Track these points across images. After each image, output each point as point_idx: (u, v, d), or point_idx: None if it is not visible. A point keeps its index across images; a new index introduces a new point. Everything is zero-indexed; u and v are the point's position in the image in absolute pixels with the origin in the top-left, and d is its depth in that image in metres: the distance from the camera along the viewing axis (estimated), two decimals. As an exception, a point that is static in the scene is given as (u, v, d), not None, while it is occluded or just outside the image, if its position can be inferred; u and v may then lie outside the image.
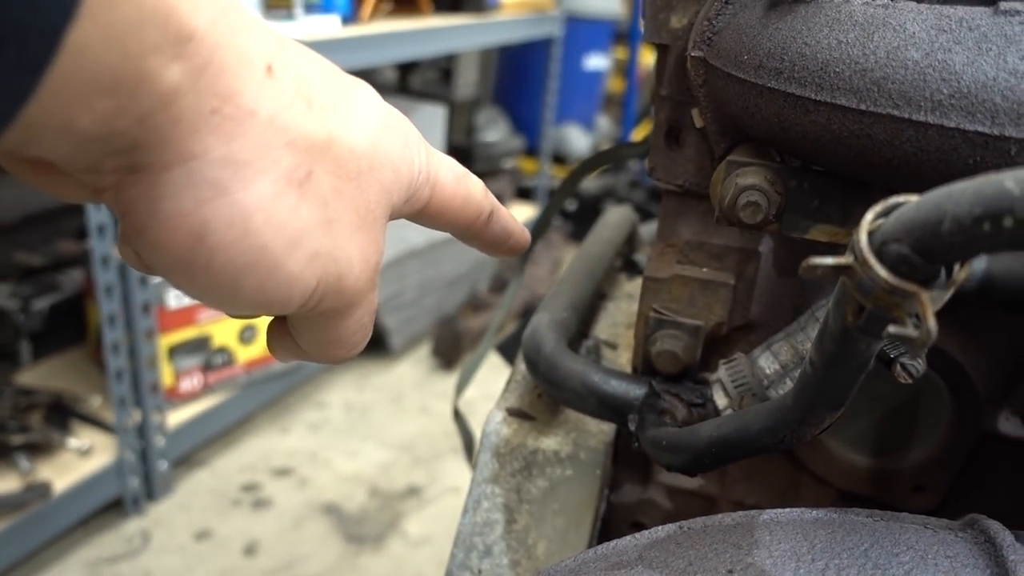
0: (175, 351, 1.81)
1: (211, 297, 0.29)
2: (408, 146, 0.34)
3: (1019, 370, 0.57)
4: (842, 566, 0.38)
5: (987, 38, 0.35)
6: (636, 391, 0.56)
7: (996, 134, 0.34)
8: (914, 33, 0.36)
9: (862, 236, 0.31)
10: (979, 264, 0.48)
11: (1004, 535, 0.39)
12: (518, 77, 3.67)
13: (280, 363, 2.02)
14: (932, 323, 0.29)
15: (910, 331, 0.30)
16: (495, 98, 3.78)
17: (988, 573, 0.37)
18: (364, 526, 1.84)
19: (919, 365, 0.48)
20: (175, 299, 1.76)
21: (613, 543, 0.44)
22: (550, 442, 0.62)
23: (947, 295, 0.31)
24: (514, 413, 0.64)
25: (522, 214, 3.27)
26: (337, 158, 0.30)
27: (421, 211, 0.37)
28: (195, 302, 1.80)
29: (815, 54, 0.39)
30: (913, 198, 0.30)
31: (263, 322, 1.71)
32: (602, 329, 0.75)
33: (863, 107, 0.37)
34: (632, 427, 0.55)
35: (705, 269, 0.57)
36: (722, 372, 0.54)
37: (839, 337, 0.35)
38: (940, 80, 0.35)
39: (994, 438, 0.57)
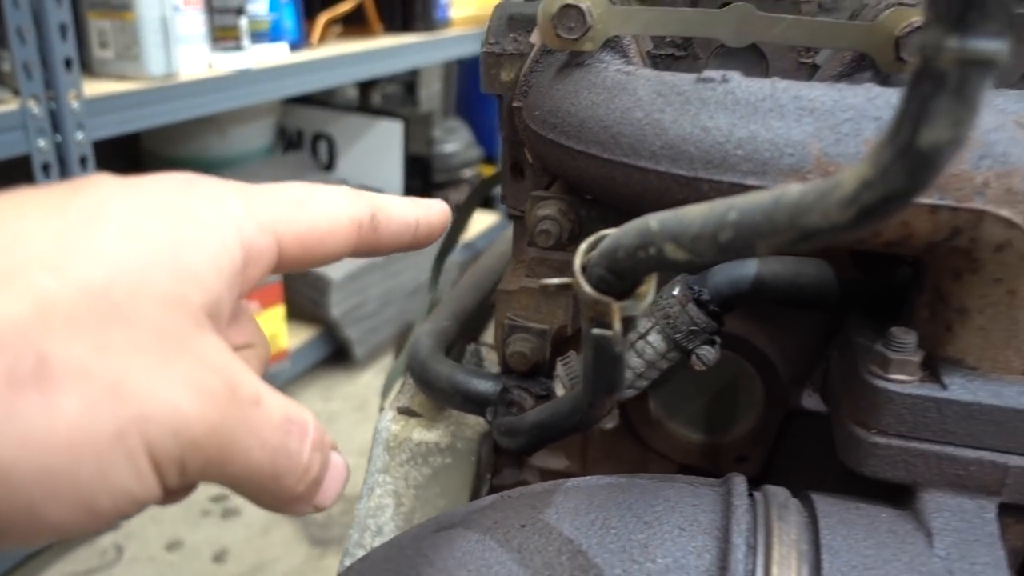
0: (141, 370, 1.89)
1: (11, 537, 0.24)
2: (185, 225, 0.28)
3: (818, 354, 0.67)
4: (609, 517, 0.48)
5: (688, 101, 0.45)
6: (492, 387, 0.65)
7: (692, 176, 0.44)
8: (641, 96, 0.46)
9: (576, 261, 0.41)
10: (750, 269, 0.58)
11: (740, 487, 0.49)
12: (477, 88, 3.77)
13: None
14: (618, 326, 0.39)
15: (610, 332, 0.40)
16: (458, 109, 3.88)
17: (716, 514, 0.47)
18: (329, 530, 1.93)
19: (710, 355, 0.59)
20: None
21: (449, 512, 0.53)
22: (432, 435, 0.71)
23: (640, 305, 0.40)
24: (403, 411, 0.74)
25: (485, 222, 3.36)
26: (71, 315, 0.24)
27: (282, 261, 0.33)
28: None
29: (577, 112, 0.49)
30: (613, 231, 0.40)
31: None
32: (490, 335, 0.85)
33: (606, 156, 0.47)
34: (488, 418, 0.65)
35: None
36: (559, 368, 0.64)
37: (586, 337, 0.45)
38: (654, 135, 0.45)
39: (800, 413, 0.67)
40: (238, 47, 1.85)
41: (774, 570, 0.43)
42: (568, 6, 0.49)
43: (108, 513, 0.25)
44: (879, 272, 0.53)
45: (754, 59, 0.58)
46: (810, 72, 0.58)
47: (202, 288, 0.28)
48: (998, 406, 0.45)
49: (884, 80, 0.52)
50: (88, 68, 1.73)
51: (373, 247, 0.36)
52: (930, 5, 0.26)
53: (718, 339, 0.60)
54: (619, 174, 0.47)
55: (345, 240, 0.34)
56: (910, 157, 0.28)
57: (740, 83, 0.45)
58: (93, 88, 1.60)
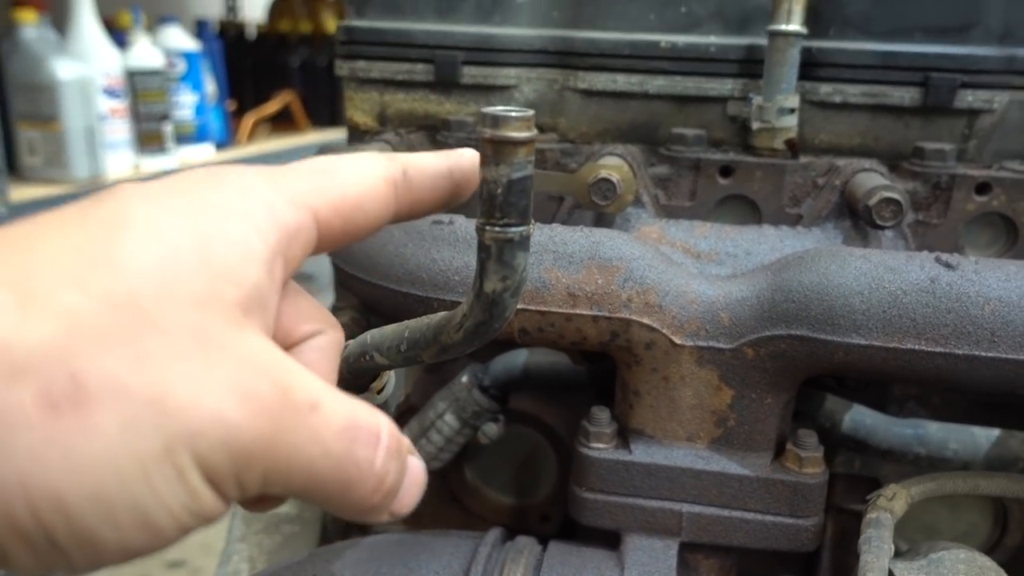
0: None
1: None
2: (210, 217, 0.27)
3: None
4: (381, 566, 0.60)
5: (424, 238, 0.59)
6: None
7: (425, 296, 0.58)
8: (393, 234, 0.61)
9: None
10: (520, 360, 0.72)
11: (491, 537, 0.61)
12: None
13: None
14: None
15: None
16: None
17: (465, 559, 0.59)
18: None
19: (492, 430, 0.72)
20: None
21: (269, 568, 0.65)
22: (283, 507, 0.83)
23: (375, 397, 0.54)
24: (261, 487, 0.85)
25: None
26: (100, 330, 0.23)
27: (323, 235, 0.31)
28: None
29: (352, 245, 0.63)
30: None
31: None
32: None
33: (370, 279, 0.61)
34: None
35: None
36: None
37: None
38: (399, 264, 0.59)
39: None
40: (163, 150, 1.99)
41: (497, 599, 0.56)
42: (347, 163, 0.64)
43: (171, 531, 0.24)
44: (600, 362, 0.67)
45: (748, 208, 0.70)
46: (796, 220, 0.69)
47: (236, 282, 0.26)
48: (669, 465, 0.59)
49: (861, 227, 0.67)
50: (18, 173, 1.85)
51: (413, 205, 0.35)
52: (481, 204, 0.40)
53: (501, 417, 0.74)
54: (380, 294, 0.61)
55: (384, 202, 0.33)
56: (481, 300, 0.42)
57: (462, 224, 0.59)
58: (21, 193, 1.72)
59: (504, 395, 0.73)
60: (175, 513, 0.24)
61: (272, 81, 2.65)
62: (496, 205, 0.39)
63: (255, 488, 0.26)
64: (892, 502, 0.57)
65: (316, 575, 0.60)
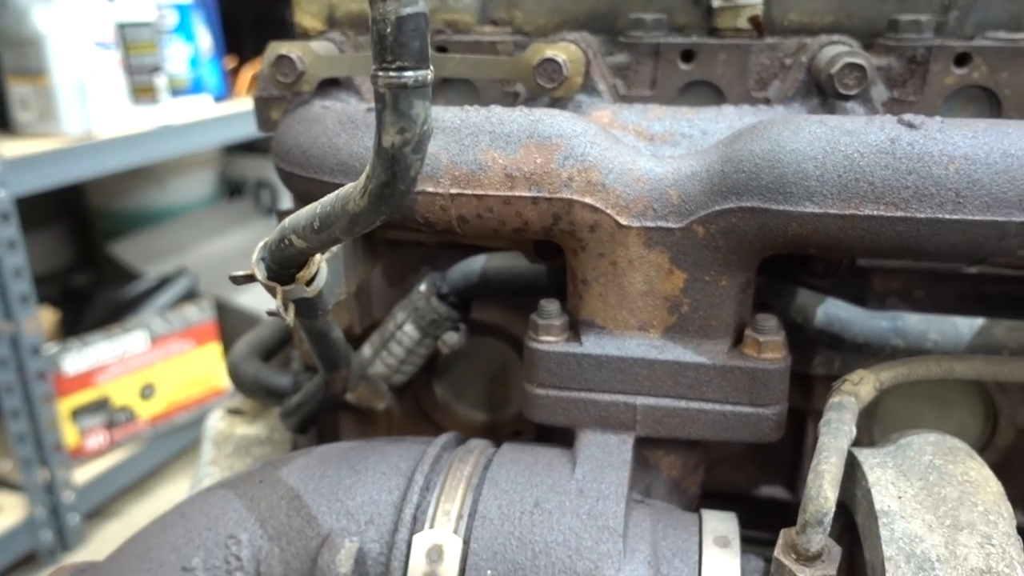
0: (77, 412, 1.98)
1: None
2: None
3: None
4: (327, 468, 0.58)
5: (357, 127, 0.56)
6: (288, 382, 0.76)
7: (332, 182, 0.55)
8: (328, 126, 0.58)
9: (253, 256, 0.51)
10: (477, 265, 0.69)
11: (441, 440, 0.59)
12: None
13: (185, 416, 2.20)
14: (283, 309, 0.50)
15: (282, 312, 0.51)
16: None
17: (412, 461, 0.57)
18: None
19: (453, 339, 0.69)
20: (72, 365, 1.94)
21: (230, 476, 0.63)
22: (253, 429, 0.82)
23: (302, 289, 0.51)
24: (231, 411, 0.84)
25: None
26: None
27: None
28: (93, 366, 1.98)
29: (288, 141, 0.60)
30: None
31: (160, 378, 1.88)
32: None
33: (304, 174, 0.58)
34: (281, 409, 0.75)
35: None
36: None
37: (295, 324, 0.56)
38: (332, 154, 0.56)
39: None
40: (155, 101, 1.97)
41: (443, 498, 0.54)
42: (282, 56, 0.61)
43: None
44: (554, 259, 0.64)
45: (712, 94, 0.66)
46: (764, 104, 0.65)
47: None
48: (621, 356, 0.56)
49: (828, 104, 0.62)
50: (11, 128, 1.84)
51: None
52: (373, 48, 0.37)
53: (462, 325, 0.71)
54: (313, 188, 0.58)
55: None
56: (381, 157, 0.39)
57: (396, 110, 0.56)
58: (14, 148, 1.71)
59: (464, 303, 0.70)
60: None
61: (272, 35, 2.61)
62: (387, 47, 0.36)
63: None
64: (857, 386, 0.54)
65: (263, 480, 0.59)
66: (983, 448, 0.72)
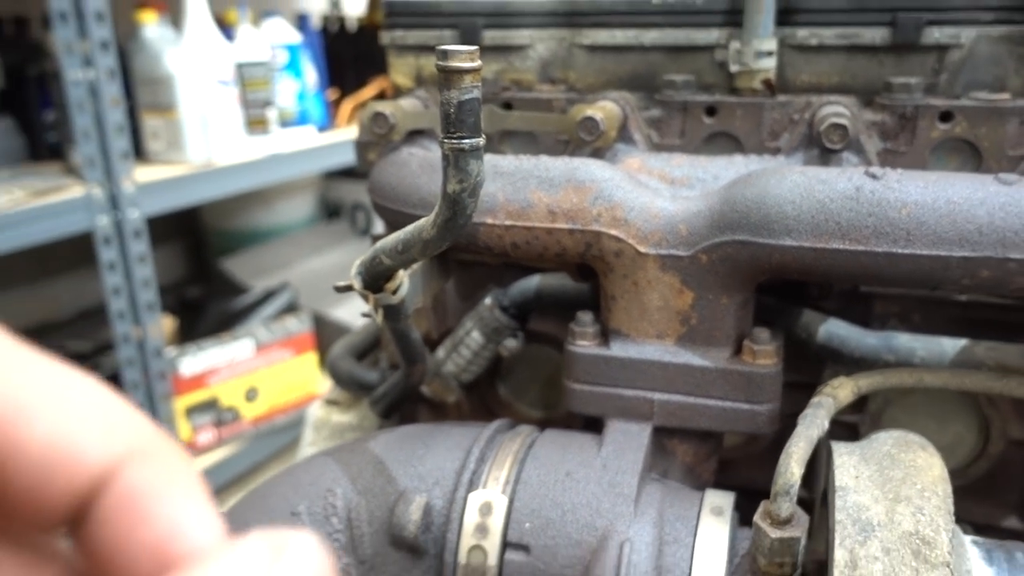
0: (191, 411, 2.21)
1: None
2: None
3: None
4: (405, 442, 0.72)
5: (435, 170, 0.71)
6: (375, 377, 0.91)
7: (414, 213, 0.70)
8: (413, 168, 0.73)
9: (352, 271, 0.66)
10: (533, 283, 0.82)
11: (496, 424, 0.73)
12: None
13: (283, 419, 2.40)
14: (374, 312, 0.65)
15: (374, 315, 0.66)
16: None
17: (471, 439, 0.71)
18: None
19: (511, 344, 0.83)
20: (187, 367, 2.17)
21: (334, 446, 0.79)
22: (346, 418, 0.97)
23: (389, 297, 0.66)
24: (329, 402, 1.00)
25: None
26: None
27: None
28: (205, 369, 2.21)
29: (381, 180, 0.76)
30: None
31: (263, 382, 2.10)
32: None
33: (394, 207, 0.73)
34: (370, 398, 0.90)
35: (417, 300, 0.93)
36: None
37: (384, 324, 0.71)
38: (414, 192, 0.71)
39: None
40: (266, 132, 2.19)
41: (494, 467, 0.67)
42: (378, 113, 0.77)
43: None
44: (592, 278, 0.77)
45: (732, 144, 0.80)
46: (775, 153, 0.78)
47: None
48: (641, 359, 0.68)
49: (824, 155, 0.74)
50: (144, 156, 2.10)
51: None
52: (440, 121, 0.52)
53: (520, 334, 0.85)
54: (399, 218, 0.73)
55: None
56: (445, 200, 0.54)
57: (465, 159, 0.71)
58: (146, 174, 1.95)
59: (522, 314, 0.84)
60: None
61: (371, 69, 2.83)
62: (450, 122, 0.51)
63: None
64: (836, 390, 0.65)
65: (354, 449, 0.74)
66: (977, 457, 0.81)
